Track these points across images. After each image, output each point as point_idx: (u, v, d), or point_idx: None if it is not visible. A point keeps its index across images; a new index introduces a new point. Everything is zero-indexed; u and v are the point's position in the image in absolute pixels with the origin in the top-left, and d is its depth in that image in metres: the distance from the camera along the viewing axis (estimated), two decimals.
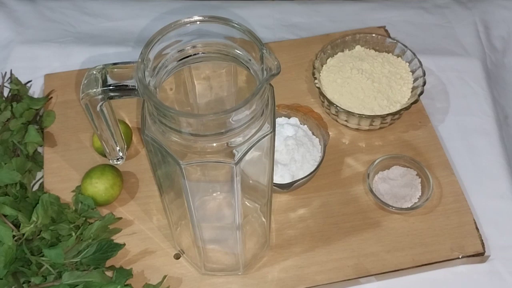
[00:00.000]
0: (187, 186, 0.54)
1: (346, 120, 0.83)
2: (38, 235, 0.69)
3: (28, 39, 0.99)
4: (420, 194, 0.77)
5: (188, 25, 0.52)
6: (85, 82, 0.54)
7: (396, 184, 0.78)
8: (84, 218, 0.72)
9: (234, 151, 0.51)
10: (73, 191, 0.78)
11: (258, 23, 1.02)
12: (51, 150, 0.83)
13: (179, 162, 0.51)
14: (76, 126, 0.85)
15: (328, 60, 0.88)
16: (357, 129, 0.84)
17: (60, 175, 0.80)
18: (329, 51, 0.87)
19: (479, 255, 0.73)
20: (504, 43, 1.00)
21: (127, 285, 0.67)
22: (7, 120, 0.81)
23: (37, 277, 0.66)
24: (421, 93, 0.81)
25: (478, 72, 0.94)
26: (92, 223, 0.71)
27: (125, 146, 0.66)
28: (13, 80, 0.89)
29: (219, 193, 0.68)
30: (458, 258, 0.73)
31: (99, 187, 0.74)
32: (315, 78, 0.84)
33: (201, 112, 0.64)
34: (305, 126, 0.81)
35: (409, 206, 0.76)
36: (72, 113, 0.87)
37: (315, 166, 0.76)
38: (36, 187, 0.80)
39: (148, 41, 0.51)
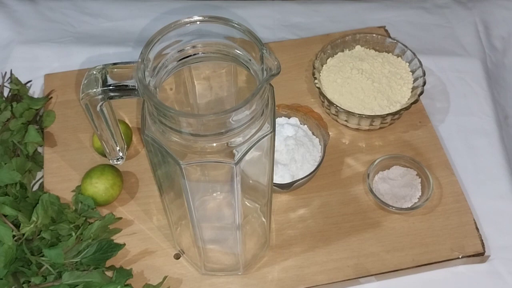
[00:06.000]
0: (187, 186, 0.54)
1: (346, 120, 0.83)
2: (38, 235, 0.69)
3: (28, 39, 0.99)
4: (420, 194, 0.77)
5: (188, 25, 0.52)
6: (85, 82, 0.54)
7: (396, 184, 0.78)
8: (84, 218, 0.72)
9: (234, 151, 0.51)
10: (73, 191, 0.78)
11: (258, 23, 1.02)
12: (51, 150, 0.83)
13: (179, 162, 0.51)
14: (76, 126, 0.85)
15: (328, 60, 0.88)
16: (357, 129, 0.84)
17: (60, 175, 0.80)
18: (329, 51, 0.87)
19: (479, 255, 0.73)
20: (504, 43, 1.00)
21: (127, 285, 0.67)
22: (7, 120, 0.81)
23: (37, 277, 0.66)
24: (421, 93, 0.81)
25: (478, 72, 0.94)
26: (92, 223, 0.71)
27: (125, 146, 0.66)
28: (13, 80, 0.89)
29: (219, 193, 0.68)
30: (458, 258, 0.73)
31: (99, 187, 0.74)
32: (315, 78, 0.84)
33: (201, 112, 0.64)
34: (305, 126, 0.81)
35: (409, 206, 0.76)
36: (72, 113, 0.87)
37: (315, 166, 0.76)
38: (36, 187, 0.80)
39: (148, 41, 0.51)
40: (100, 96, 0.54)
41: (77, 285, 0.65)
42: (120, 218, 0.75)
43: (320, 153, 0.78)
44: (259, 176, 0.61)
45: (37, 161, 0.81)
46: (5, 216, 0.69)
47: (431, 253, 0.73)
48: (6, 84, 0.90)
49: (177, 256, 0.73)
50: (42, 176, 0.80)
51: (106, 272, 0.69)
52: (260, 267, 0.72)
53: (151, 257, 0.73)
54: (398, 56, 0.88)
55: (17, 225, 0.69)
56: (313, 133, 0.81)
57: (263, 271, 0.72)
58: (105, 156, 0.72)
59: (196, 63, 0.55)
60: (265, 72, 0.50)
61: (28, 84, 0.91)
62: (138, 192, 0.79)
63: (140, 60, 0.50)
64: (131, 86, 0.52)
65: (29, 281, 0.67)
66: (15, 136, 0.80)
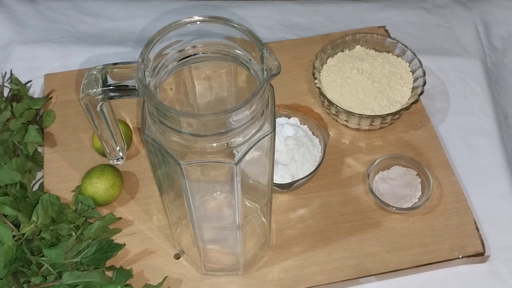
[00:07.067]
0: (187, 186, 0.54)
1: (346, 120, 0.83)
2: (38, 235, 0.69)
3: (28, 39, 0.99)
4: (420, 194, 0.77)
5: (188, 25, 0.52)
6: (85, 82, 0.54)
7: (396, 184, 0.78)
8: (84, 218, 0.72)
9: (234, 151, 0.51)
10: (73, 191, 0.78)
11: (258, 23, 1.02)
12: (51, 150, 0.83)
13: (179, 162, 0.51)
14: (76, 126, 0.85)
15: (328, 60, 0.88)
16: (357, 129, 0.84)
17: (60, 175, 0.80)
18: (329, 51, 0.87)
19: (479, 255, 0.73)
20: (504, 43, 1.01)
21: (127, 285, 0.67)
22: (7, 120, 0.81)
23: (37, 277, 0.66)
24: (421, 93, 0.81)
25: (478, 72, 0.94)
26: (92, 223, 0.71)
27: (125, 146, 0.66)
28: (13, 80, 0.89)
29: (219, 193, 0.68)
30: (458, 258, 0.73)
31: (99, 187, 0.74)
32: (315, 78, 0.84)
33: (201, 112, 0.64)
34: (305, 126, 0.81)
35: (409, 206, 0.76)
36: (72, 113, 0.87)
37: (315, 166, 0.76)
38: (36, 187, 0.80)
39: (148, 41, 0.51)
40: (100, 96, 0.54)
41: (77, 285, 0.65)
42: (120, 218, 0.75)
43: (320, 153, 0.78)
44: (259, 176, 0.61)
45: (37, 161, 0.81)
46: (5, 216, 0.69)
47: (431, 253, 0.73)
48: (6, 84, 0.90)
49: (177, 256, 0.73)
50: (42, 176, 0.80)
51: (106, 272, 0.69)
52: (260, 267, 0.72)
53: (151, 257, 0.73)
54: (398, 56, 0.88)
55: (17, 225, 0.69)
56: (313, 133, 0.81)
57: (263, 271, 0.72)
58: (105, 156, 0.72)
59: (196, 63, 0.55)
60: (265, 72, 0.50)
61: (28, 84, 0.91)
62: (138, 192, 0.79)
63: (140, 60, 0.50)
64: (131, 86, 0.52)
65: (29, 281, 0.67)
66: (15, 136, 0.80)
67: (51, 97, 0.88)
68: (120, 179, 0.77)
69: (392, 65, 0.86)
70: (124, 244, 0.71)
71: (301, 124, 0.81)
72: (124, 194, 0.78)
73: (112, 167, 0.77)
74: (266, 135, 0.52)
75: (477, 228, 0.75)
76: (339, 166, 0.81)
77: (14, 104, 0.83)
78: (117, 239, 0.73)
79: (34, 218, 0.69)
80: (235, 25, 0.51)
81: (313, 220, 0.76)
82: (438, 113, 0.89)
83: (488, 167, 0.83)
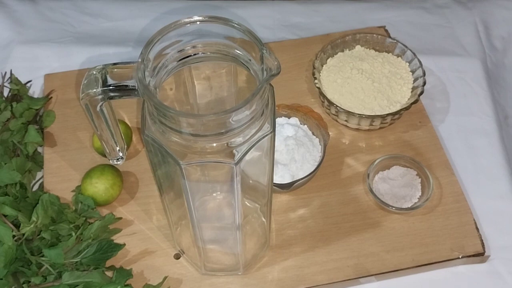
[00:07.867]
0: (187, 186, 0.54)
1: (346, 120, 0.83)
2: (38, 235, 0.69)
3: (28, 39, 0.99)
4: (420, 194, 0.77)
5: (188, 25, 0.52)
6: (85, 82, 0.54)
7: (396, 184, 0.78)
8: (84, 218, 0.72)
9: (234, 151, 0.51)
10: (73, 191, 0.78)
11: (258, 23, 1.02)
12: (51, 150, 0.83)
13: (179, 162, 0.51)
14: (76, 126, 0.85)
15: (328, 60, 0.88)
16: (357, 129, 0.84)
17: (60, 175, 0.80)
18: (329, 51, 0.87)
19: (479, 255, 0.73)
20: (504, 43, 1.01)
21: (127, 285, 0.67)
22: (7, 120, 0.81)
23: (37, 277, 0.66)
24: (421, 93, 0.81)
25: (478, 72, 0.94)
26: (92, 223, 0.71)
27: (125, 146, 0.66)
28: (13, 80, 0.89)
29: (219, 193, 0.68)
30: (458, 258, 0.73)
31: (99, 187, 0.74)
32: (315, 78, 0.84)
33: (201, 112, 0.64)
34: (305, 126, 0.81)
35: (409, 206, 0.76)
36: (72, 113, 0.87)
37: (315, 166, 0.76)
38: (36, 187, 0.80)
39: (148, 41, 0.51)
40: (100, 96, 0.54)
41: (77, 285, 0.65)
42: (120, 218, 0.75)
43: (320, 153, 0.78)
44: (259, 176, 0.61)
45: (37, 161, 0.81)
46: (5, 216, 0.69)
47: (431, 253, 0.73)
48: (6, 84, 0.90)
49: (177, 256, 0.73)
50: (42, 176, 0.80)
51: (106, 272, 0.69)
52: (260, 267, 0.72)
53: (151, 257, 0.73)
54: (398, 56, 0.88)
55: (17, 225, 0.69)
56: (313, 133, 0.81)
57: (263, 271, 0.72)
58: (105, 156, 0.72)
59: (196, 63, 0.55)
60: (265, 72, 0.50)
61: (28, 84, 0.91)
62: (138, 192, 0.79)
63: (140, 60, 0.50)
64: (131, 86, 0.52)
65: (29, 281, 0.67)
66: (15, 136, 0.80)
67: (51, 97, 0.88)
68: (120, 179, 0.77)
69: (392, 65, 0.86)
70: (124, 244, 0.71)
71: (301, 124, 0.81)
72: (124, 194, 0.78)
73: (112, 167, 0.77)
74: (266, 135, 0.52)
75: (477, 228, 0.75)
76: (339, 166, 0.81)
77: (14, 104, 0.83)
78: (117, 239, 0.73)
79: (34, 218, 0.69)
80: (235, 25, 0.51)
81: (313, 220, 0.76)
82: (438, 113, 0.89)
83: (488, 167, 0.83)
